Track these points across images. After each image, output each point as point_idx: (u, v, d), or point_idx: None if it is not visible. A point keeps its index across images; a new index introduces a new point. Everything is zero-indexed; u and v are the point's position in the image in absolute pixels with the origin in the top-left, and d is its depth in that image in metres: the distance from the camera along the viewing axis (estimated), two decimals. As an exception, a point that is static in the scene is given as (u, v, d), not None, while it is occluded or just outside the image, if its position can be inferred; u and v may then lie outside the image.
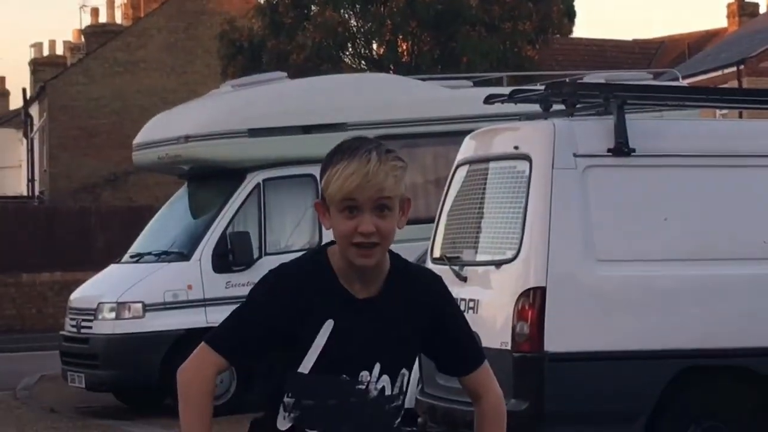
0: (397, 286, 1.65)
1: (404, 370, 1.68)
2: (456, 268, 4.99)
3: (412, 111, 8.22)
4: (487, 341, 4.46)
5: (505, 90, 6.38)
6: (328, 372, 1.61)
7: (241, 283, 7.47)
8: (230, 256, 7.79)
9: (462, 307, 4.61)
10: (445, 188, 5.45)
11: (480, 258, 5.03)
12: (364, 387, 1.63)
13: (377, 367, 1.64)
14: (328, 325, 1.60)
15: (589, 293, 4.58)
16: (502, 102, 5.51)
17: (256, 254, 7.85)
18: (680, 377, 4.58)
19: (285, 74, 9.26)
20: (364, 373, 1.63)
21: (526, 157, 4.78)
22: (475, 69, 13.46)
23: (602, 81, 6.45)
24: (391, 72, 14.82)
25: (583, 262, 4.57)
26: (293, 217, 8.35)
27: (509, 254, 4.69)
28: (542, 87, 5.49)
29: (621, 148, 4.61)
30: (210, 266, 7.79)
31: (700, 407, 4.68)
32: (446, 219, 5.36)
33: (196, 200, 8.70)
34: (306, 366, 1.61)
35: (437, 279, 1.75)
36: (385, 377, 1.65)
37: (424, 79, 9.64)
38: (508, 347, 4.49)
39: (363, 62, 17.23)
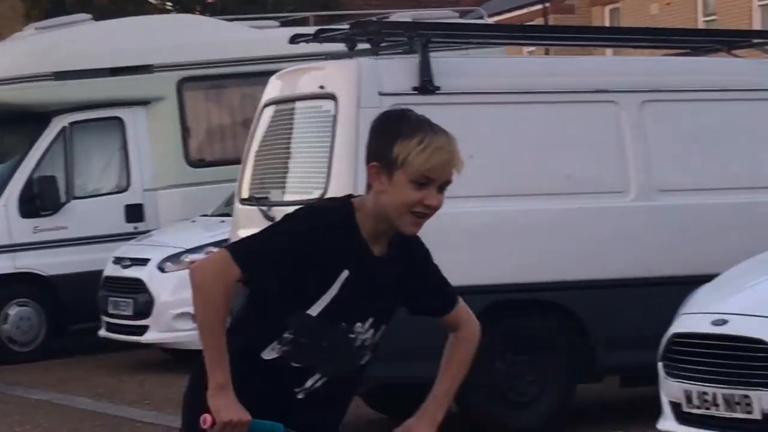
0: (398, 248, 1.79)
1: (384, 326, 1.85)
2: (264, 208, 4.85)
3: (218, 52, 8.16)
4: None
5: (311, 30, 6.18)
6: (331, 318, 1.76)
7: (49, 227, 7.67)
8: (37, 201, 7.80)
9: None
10: (252, 129, 5.22)
11: (288, 198, 4.92)
12: (354, 336, 1.80)
13: (369, 321, 1.81)
14: (344, 276, 1.74)
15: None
16: (307, 42, 5.31)
17: (63, 198, 7.87)
18: (488, 312, 4.69)
19: (90, 16, 9.10)
20: (358, 324, 1.79)
21: (332, 97, 4.65)
22: (281, 9, 13.41)
23: (408, 20, 6.40)
24: (197, 13, 14.51)
25: None
26: (100, 161, 8.26)
27: (316, 194, 4.57)
28: (348, 26, 5.34)
29: (426, 86, 4.58)
30: (16, 211, 7.76)
31: (508, 341, 4.81)
32: (253, 160, 5.16)
33: (0, 145, 8.49)
34: (315, 310, 1.75)
35: (419, 238, 1.86)
36: (371, 330, 1.82)
37: (230, 20, 9.60)
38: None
39: (169, 3, 16.94)
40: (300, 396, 1.82)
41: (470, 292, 4.63)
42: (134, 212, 7.82)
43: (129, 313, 6.94)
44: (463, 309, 1.94)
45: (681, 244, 4.88)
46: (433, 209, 1.74)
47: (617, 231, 4.88)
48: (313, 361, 1.82)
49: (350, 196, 1.84)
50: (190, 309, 5.73)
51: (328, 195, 4.50)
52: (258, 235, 1.81)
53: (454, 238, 4.70)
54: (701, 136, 5.06)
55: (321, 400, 1.86)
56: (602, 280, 4.79)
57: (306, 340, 1.80)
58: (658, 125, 4.99)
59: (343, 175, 4.45)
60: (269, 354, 1.81)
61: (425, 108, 4.65)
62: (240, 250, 1.78)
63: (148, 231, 7.63)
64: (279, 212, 4.88)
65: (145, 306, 6.83)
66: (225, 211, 6.57)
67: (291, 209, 4.65)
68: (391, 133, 1.73)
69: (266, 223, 4.70)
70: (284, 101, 5.04)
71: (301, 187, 4.85)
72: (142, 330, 6.95)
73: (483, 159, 4.76)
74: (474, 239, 4.77)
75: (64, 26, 8.53)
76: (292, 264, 1.75)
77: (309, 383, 1.83)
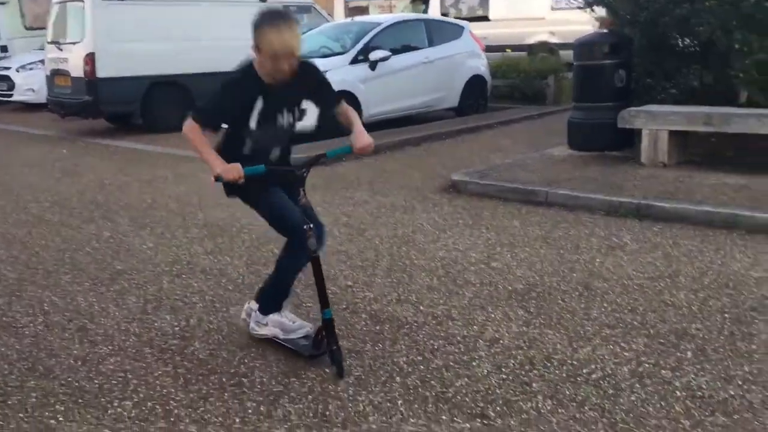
0: (301, 74, 3.31)
1: (297, 111, 3.42)
2: (58, 45, 12.01)
3: None
4: (74, 74, 11.64)
5: None
6: (265, 120, 3.31)
7: None
8: None
9: (61, 61, 11.81)
10: (50, 14, 12.29)
11: (68, 41, 12.00)
12: (282, 123, 3.38)
13: (285, 111, 3.38)
14: (260, 100, 3.28)
15: (111, 55, 11.85)
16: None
17: None
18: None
19: None
20: (279, 116, 3.36)
21: (82, 1, 11.73)
22: None
23: None
24: None
25: (108, 43, 11.59)
26: None
27: (79, 39, 11.75)
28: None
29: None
30: None
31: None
32: (53, 26, 12.22)
33: None
34: (253, 122, 3.31)
35: (314, 64, 3.54)
36: (289, 115, 3.42)
37: None
38: (82, 76, 11.73)
39: None
40: (272, 160, 3.37)
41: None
42: (4, 48, 15.07)
43: (4, 89, 14.58)
44: (343, 102, 3.58)
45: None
46: (287, 73, 3.22)
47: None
48: (270, 143, 3.39)
49: (251, 60, 3.26)
50: (32, 87, 13.83)
51: (85, 40, 11.71)
52: (210, 98, 3.31)
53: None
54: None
55: (280, 158, 3.48)
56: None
57: (259, 136, 3.33)
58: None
59: (90, 32, 11.55)
60: (246, 150, 3.37)
61: (123, 6, 12.07)
62: (200, 115, 3.29)
63: (10, 56, 15.20)
64: (64, 47, 11.97)
65: (11, 86, 14.65)
66: (42, 47, 13.70)
67: (69, 46, 12.77)
68: (255, 26, 3.15)
69: (59, 52, 11.80)
70: (63, 2, 12.06)
71: (72, 36, 11.92)
72: (10, 96, 14.47)
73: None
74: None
75: None
76: (231, 105, 3.27)
77: (273, 154, 3.42)
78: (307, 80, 3.45)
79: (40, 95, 13.45)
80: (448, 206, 6.73)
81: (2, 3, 16.59)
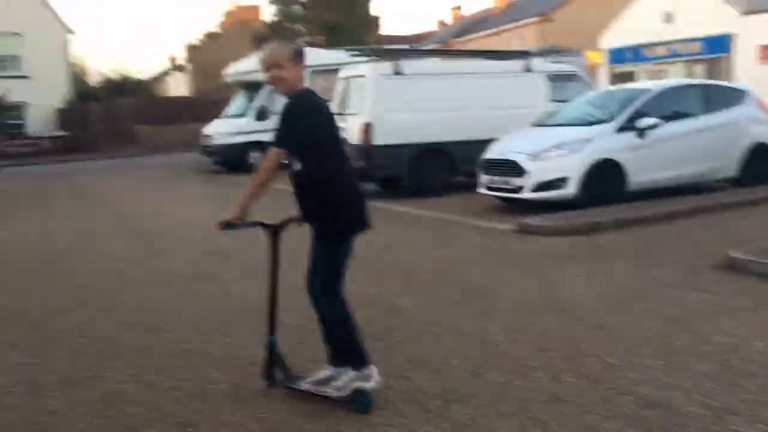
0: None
1: None
2: (341, 115, 12.99)
3: (325, 61, 16.99)
4: (351, 141, 12.54)
5: (356, 52, 14.46)
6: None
7: None
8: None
9: (343, 129, 12.74)
10: (336, 88, 13.41)
11: (349, 112, 12.93)
12: None
13: None
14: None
15: (385, 124, 12.58)
16: (357, 56, 13.46)
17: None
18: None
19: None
20: None
21: (364, 76, 12.65)
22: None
23: (390, 47, 14.43)
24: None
25: (383, 113, 12.43)
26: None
27: (358, 111, 12.62)
28: (368, 51, 13.36)
29: (398, 72, 12.50)
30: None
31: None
32: (338, 99, 13.26)
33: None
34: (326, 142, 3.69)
35: (294, 96, 3.67)
36: None
37: (327, 50, 19.37)
38: (359, 143, 12.57)
39: (306, 43, 30.49)
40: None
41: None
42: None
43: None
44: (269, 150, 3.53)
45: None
46: (273, 81, 3.64)
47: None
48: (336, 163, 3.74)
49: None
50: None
51: (363, 112, 12.52)
52: (281, 125, 3.52)
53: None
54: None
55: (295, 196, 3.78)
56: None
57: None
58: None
59: (368, 104, 12.43)
60: (297, 167, 3.70)
61: (397, 80, 12.96)
62: (279, 139, 3.51)
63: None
64: (347, 117, 12.94)
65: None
66: None
67: (350, 116, 13.65)
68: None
69: (343, 121, 12.78)
70: (347, 78, 13.18)
71: (353, 108, 12.87)
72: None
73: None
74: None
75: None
76: (307, 129, 3.52)
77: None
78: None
79: None
80: (726, 287, 6.05)
81: None
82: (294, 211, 3.87)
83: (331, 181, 3.62)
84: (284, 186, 3.73)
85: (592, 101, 11.45)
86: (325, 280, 3.72)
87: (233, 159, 18.65)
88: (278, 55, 3.63)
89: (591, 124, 10.27)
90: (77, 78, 39.36)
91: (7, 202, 15.49)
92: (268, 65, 3.65)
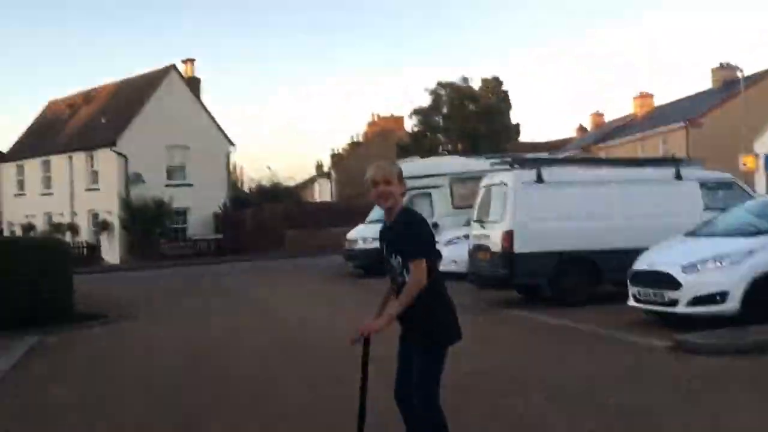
0: (395, 220, 3.93)
1: (395, 256, 3.84)
2: (481, 223, 12.99)
3: (464, 167, 18.88)
4: (493, 249, 12.42)
5: (497, 161, 14.70)
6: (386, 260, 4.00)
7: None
8: None
9: (483, 237, 12.72)
10: (477, 196, 13.48)
11: (490, 220, 12.92)
12: (392, 263, 3.95)
13: (392, 254, 3.90)
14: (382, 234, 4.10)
15: (528, 232, 12.37)
16: (498, 165, 13.55)
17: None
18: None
19: (418, 157, 23.90)
20: (389, 257, 3.96)
21: (506, 184, 12.62)
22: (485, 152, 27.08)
23: (531, 156, 14.46)
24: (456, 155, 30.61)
25: (526, 221, 12.27)
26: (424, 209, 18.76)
27: (500, 218, 12.53)
28: (510, 159, 13.46)
29: (539, 179, 12.41)
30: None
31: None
32: (477, 206, 13.37)
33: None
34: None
35: (411, 214, 3.95)
36: (394, 259, 3.89)
37: (466, 156, 21.51)
38: (500, 251, 12.37)
39: (446, 152, 36.51)
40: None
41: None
42: (434, 225, 16.88)
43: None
44: (412, 263, 3.69)
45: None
46: (381, 195, 3.85)
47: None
48: (394, 285, 3.96)
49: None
50: (456, 259, 15.38)
51: (504, 219, 12.49)
52: (420, 239, 3.80)
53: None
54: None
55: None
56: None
57: (389, 273, 4.04)
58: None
59: (510, 212, 12.32)
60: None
61: (539, 188, 12.88)
62: (423, 253, 3.76)
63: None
64: (487, 225, 12.92)
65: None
66: (467, 224, 15.17)
67: (491, 224, 13.67)
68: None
69: (482, 229, 12.80)
70: (488, 186, 13.22)
71: (494, 216, 12.85)
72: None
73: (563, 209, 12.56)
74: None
75: (409, 162, 20.37)
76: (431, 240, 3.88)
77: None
78: (397, 227, 3.88)
79: (462, 267, 14.55)
80: None
81: (436, 187, 19.15)
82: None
83: (442, 291, 3.88)
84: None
85: (751, 209, 10.72)
86: (429, 392, 3.79)
87: (374, 263, 19.08)
88: (390, 172, 3.97)
89: (753, 234, 9.57)
90: (233, 185, 41.94)
91: (170, 298, 16.46)
92: (378, 180, 3.94)
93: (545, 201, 12.28)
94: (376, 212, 20.69)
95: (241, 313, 13.28)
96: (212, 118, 37.99)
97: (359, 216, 22.93)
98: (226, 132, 38.32)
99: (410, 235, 3.77)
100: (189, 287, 19.26)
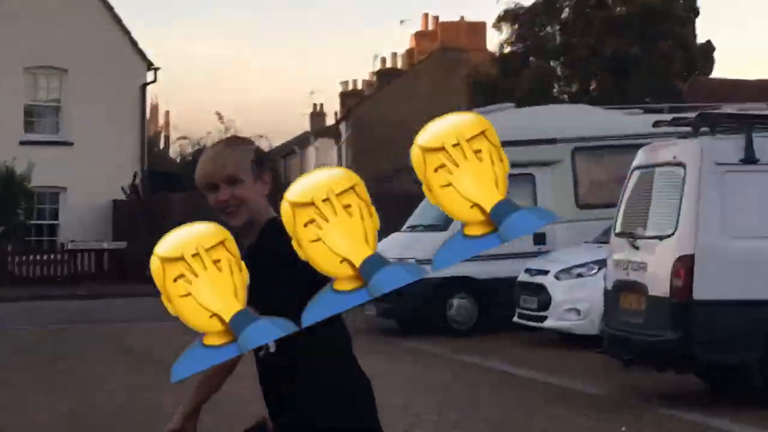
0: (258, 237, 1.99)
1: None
2: (631, 240, 6.97)
3: (600, 130, 10.89)
4: (653, 291, 6.47)
5: (666, 117, 8.39)
6: None
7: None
8: None
9: (634, 268, 6.67)
10: (624, 185, 7.41)
11: (648, 234, 6.94)
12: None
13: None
14: None
15: (725, 260, 6.37)
16: (665, 125, 7.36)
17: None
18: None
19: (513, 104, 12.52)
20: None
21: (682, 165, 6.61)
22: (641, 101, 17.26)
23: (735, 111, 7.97)
24: (585, 104, 17.68)
25: (720, 237, 6.37)
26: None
27: (669, 231, 6.57)
28: (693, 115, 7.19)
29: (750, 158, 6.34)
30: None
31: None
32: (625, 206, 7.31)
33: None
34: None
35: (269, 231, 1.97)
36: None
37: (607, 108, 12.38)
38: (667, 295, 6.42)
39: (565, 96, 22.84)
40: None
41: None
42: (540, 238, 10.29)
43: (533, 306, 9.57)
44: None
45: None
46: (225, 206, 1.93)
47: None
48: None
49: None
50: (577, 305, 8.34)
51: (678, 233, 6.50)
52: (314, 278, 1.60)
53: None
54: None
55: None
56: None
57: None
58: None
59: (689, 219, 6.41)
60: None
61: (748, 174, 6.43)
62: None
63: (548, 251, 10.20)
64: (642, 243, 6.97)
65: (545, 303, 9.37)
66: (602, 239, 8.82)
67: (650, 241, 6.87)
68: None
69: (632, 250, 6.85)
70: (647, 167, 7.13)
71: (658, 226, 6.87)
72: (542, 319, 9.46)
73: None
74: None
75: (496, 112, 10.75)
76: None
77: None
78: (264, 255, 1.92)
79: (590, 322, 8.54)
80: None
81: (543, 164, 10.95)
82: None
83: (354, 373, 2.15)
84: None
85: None
86: None
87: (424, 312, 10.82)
88: (235, 160, 1.98)
89: None
90: (152, 146, 31.46)
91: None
92: (215, 180, 1.97)
93: (761, 200, 6.29)
94: (425, 211, 11.73)
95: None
96: (119, 23, 21.97)
97: (394, 210, 14.27)
98: (144, 51, 22.15)
99: (290, 270, 1.72)
100: (57, 348, 10.34)
